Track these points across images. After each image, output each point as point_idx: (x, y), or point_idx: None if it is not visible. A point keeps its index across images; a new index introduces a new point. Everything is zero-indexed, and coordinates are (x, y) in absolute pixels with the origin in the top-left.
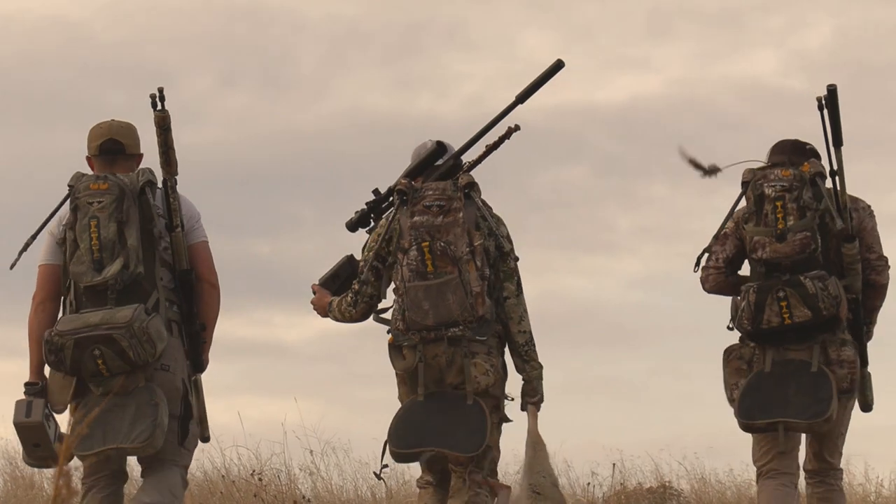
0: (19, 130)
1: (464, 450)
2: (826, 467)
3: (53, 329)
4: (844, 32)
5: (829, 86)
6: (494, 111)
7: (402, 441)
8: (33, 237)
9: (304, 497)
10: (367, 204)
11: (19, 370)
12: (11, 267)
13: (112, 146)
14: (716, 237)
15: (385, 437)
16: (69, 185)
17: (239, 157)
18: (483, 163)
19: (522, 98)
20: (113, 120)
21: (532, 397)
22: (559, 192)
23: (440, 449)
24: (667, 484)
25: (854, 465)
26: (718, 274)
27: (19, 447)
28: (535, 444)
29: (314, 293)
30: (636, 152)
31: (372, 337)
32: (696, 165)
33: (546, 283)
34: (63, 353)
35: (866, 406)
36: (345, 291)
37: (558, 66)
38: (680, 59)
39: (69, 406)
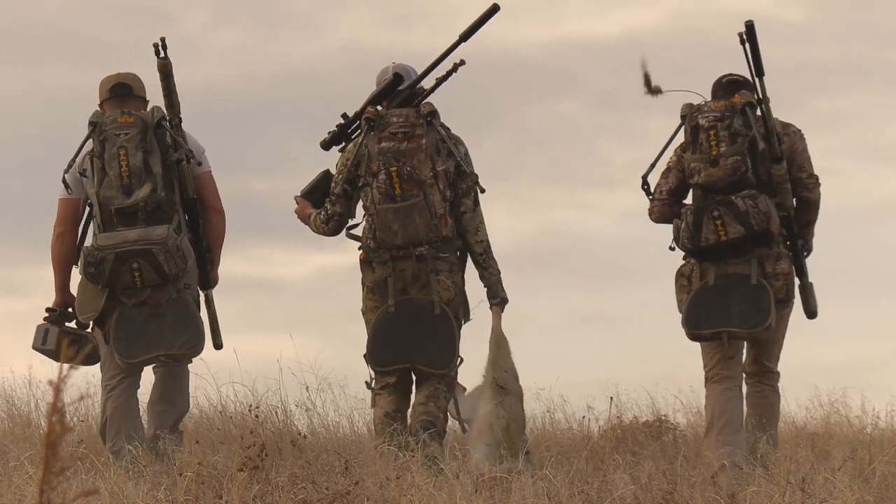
0: (11, 68)
1: (437, 366)
2: (764, 370)
3: (93, 244)
4: None
5: (747, 21)
6: (487, 46)
7: (381, 358)
8: (70, 164)
9: (300, 433)
10: (337, 126)
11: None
12: (68, 189)
13: (122, 89)
14: (660, 169)
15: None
16: (91, 122)
17: (234, 95)
18: (474, 99)
19: (465, 37)
20: (119, 72)
21: (493, 299)
22: (555, 126)
23: (417, 365)
24: (663, 417)
25: (851, 397)
26: (663, 205)
27: (16, 385)
28: (499, 342)
29: (297, 203)
30: (633, 86)
31: None
32: (647, 80)
33: (543, 218)
34: (103, 265)
35: (811, 313)
36: (322, 203)
37: (493, 10)
38: None
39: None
